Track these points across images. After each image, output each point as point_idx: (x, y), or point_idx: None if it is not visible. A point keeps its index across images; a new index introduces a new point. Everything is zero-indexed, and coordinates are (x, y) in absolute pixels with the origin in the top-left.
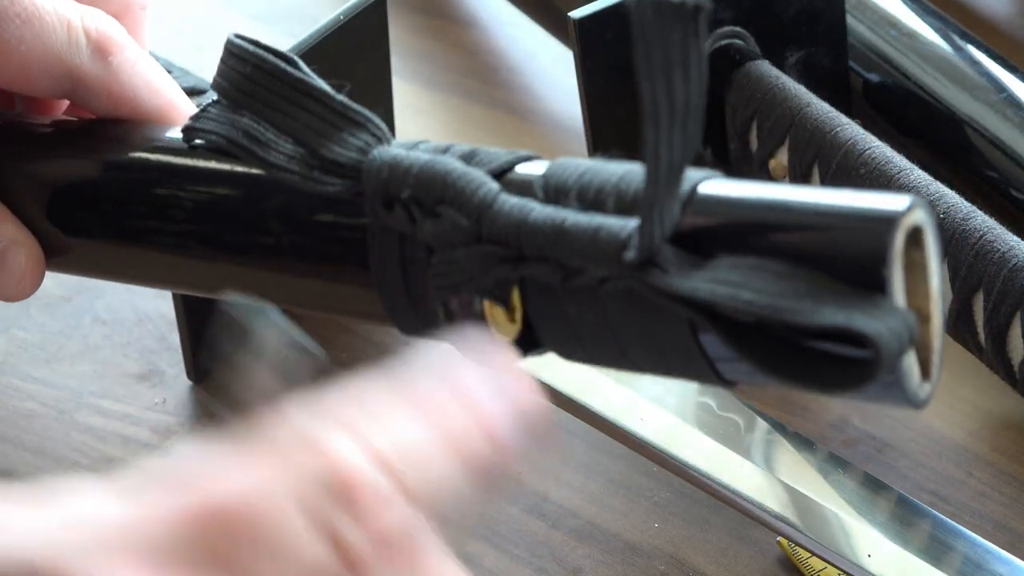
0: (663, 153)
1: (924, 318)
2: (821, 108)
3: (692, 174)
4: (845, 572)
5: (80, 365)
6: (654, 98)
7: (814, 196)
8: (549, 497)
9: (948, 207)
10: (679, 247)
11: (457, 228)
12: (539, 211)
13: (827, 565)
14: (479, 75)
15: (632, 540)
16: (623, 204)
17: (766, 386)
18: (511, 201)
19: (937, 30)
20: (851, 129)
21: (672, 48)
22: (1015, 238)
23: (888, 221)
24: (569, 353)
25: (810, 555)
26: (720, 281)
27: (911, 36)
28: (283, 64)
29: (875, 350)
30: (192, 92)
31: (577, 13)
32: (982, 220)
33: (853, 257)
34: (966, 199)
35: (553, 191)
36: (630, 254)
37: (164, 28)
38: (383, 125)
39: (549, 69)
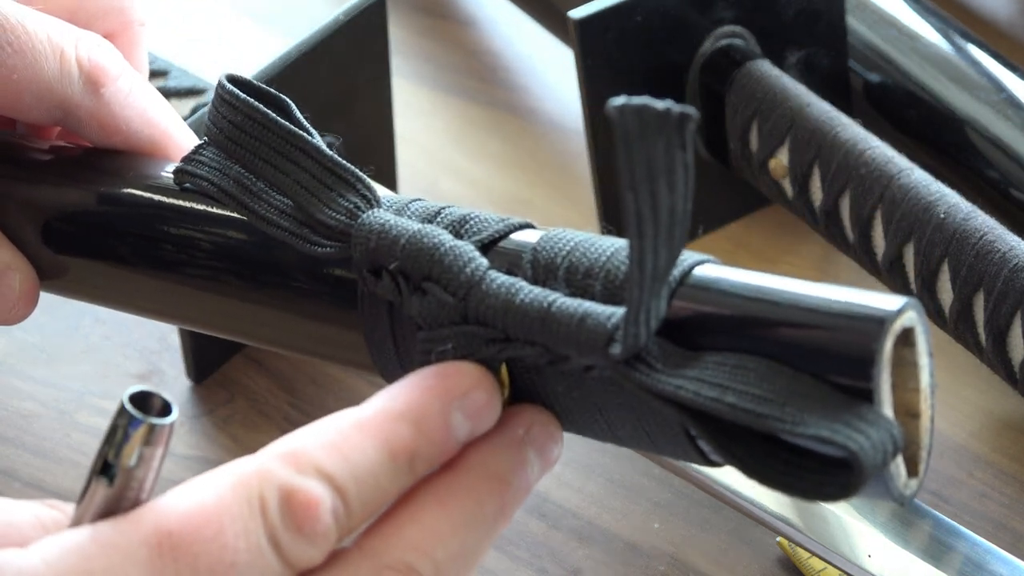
0: (648, 262)
1: (913, 414)
2: (821, 108)
3: (684, 258)
4: (845, 572)
5: (80, 365)
6: (638, 209)
7: (805, 290)
8: (549, 497)
9: (949, 207)
10: (667, 333)
11: (443, 306)
12: (526, 293)
13: (827, 565)
14: (479, 75)
15: (632, 540)
16: (611, 287)
17: None
18: (499, 280)
19: (938, 30)
20: (852, 129)
21: (656, 158)
22: (1016, 238)
23: (878, 322)
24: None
25: (810, 555)
26: (704, 381)
27: (911, 36)
28: (273, 114)
29: (856, 463)
30: (191, 92)
31: (577, 13)
32: (983, 220)
33: (840, 358)
34: (966, 199)
35: (542, 269)
36: (615, 349)
37: (163, 27)
38: (372, 186)
39: (549, 69)
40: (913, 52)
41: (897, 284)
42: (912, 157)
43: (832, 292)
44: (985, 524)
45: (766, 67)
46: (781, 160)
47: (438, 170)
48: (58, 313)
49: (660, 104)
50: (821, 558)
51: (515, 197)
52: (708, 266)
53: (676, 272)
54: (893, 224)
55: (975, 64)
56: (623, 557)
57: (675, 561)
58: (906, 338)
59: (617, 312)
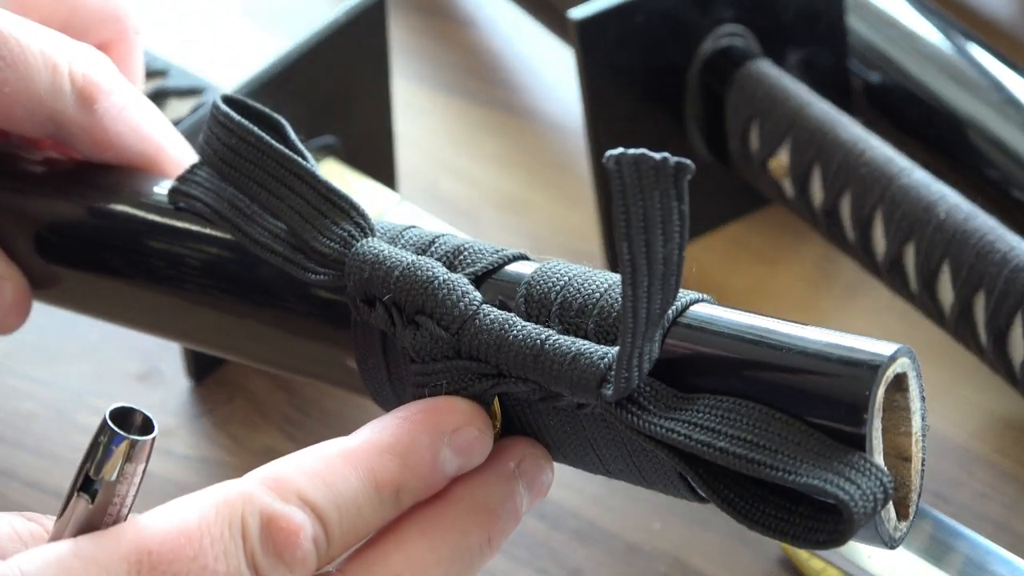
0: (641, 310)
1: (904, 457)
2: (822, 108)
3: (679, 296)
4: (845, 572)
5: (80, 365)
6: (632, 259)
7: (799, 333)
8: (549, 498)
9: (950, 207)
10: (660, 372)
11: (436, 340)
12: (519, 329)
13: (827, 565)
14: (479, 75)
15: (633, 541)
16: (604, 325)
17: None
18: (492, 315)
19: (938, 29)
20: (852, 129)
21: (652, 209)
22: (1016, 238)
23: (871, 369)
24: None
25: (810, 555)
26: (696, 424)
27: (911, 36)
28: (268, 138)
29: (847, 513)
30: (191, 92)
31: (577, 13)
32: (983, 221)
33: (832, 403)
34: (967, 199)
35: (536, 304)
36: (608, 390)
37: (161, 28)
38: (366, 213)
39: (549, 69)
40: (913, 52)
41: (897, 284)
42: (912, 157)
43: (826, 336)
44: (986, 525)
45: (766, 67)
46: (781, 160)
47: (438, 170)
48: (58, 313)
49: (657, 155)
50: (821, 558)
51: (515, 197)
52: (702, 305)
53: (670, 311)
54: (893, 224)
55: (975, 64)
56: (623, 557)
57: (676, 561)
58: (899, 383)
59: (611, 352)
